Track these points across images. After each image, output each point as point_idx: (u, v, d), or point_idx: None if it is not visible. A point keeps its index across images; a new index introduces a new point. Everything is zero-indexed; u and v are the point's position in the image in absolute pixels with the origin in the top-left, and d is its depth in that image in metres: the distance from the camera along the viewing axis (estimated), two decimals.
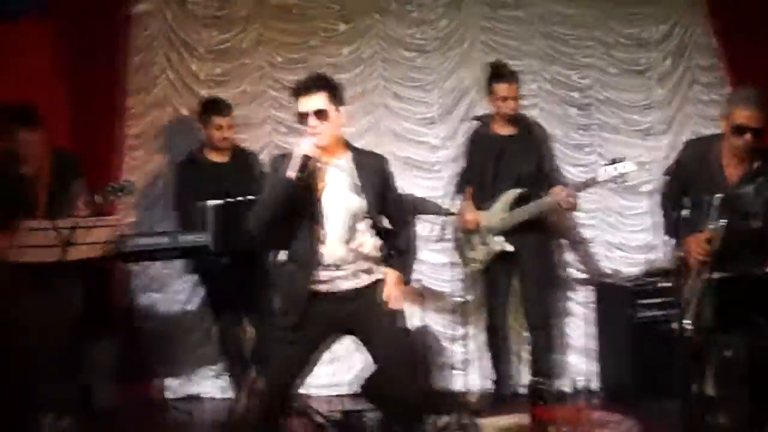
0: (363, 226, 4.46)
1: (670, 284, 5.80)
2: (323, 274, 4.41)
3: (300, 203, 4.36)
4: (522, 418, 5.57)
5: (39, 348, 5.63)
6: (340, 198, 4.42)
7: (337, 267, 4.41)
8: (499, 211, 6.09)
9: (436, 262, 6.78)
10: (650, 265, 6.59)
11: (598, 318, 6.57)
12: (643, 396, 5.89)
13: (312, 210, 4.38)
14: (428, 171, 6.91)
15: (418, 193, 6.46)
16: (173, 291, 6.90)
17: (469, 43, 6.92)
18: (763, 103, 4.63)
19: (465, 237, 6.20)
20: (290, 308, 4.45)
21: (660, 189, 5.37)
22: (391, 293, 4.49)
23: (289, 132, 6.70)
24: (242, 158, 6.35)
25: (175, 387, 6.84)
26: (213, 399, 6.75)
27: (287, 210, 4.35)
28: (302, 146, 4.29)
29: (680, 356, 4.66)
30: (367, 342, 4.54)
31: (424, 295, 6.27)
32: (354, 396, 6.14)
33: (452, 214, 6.08)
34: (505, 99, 6.07)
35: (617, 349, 6.30)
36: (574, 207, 6.01)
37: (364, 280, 4.48)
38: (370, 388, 4.87)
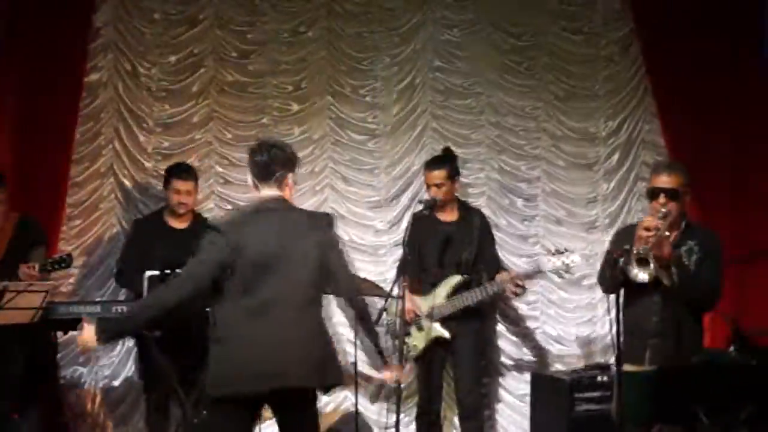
0: None
1: (607, 378, 5.76)
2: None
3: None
4: None
5: None
6: None
7: None
8: (439, 298, 6.01)
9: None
10: (589, 359, 6.51)
11: (533, 409, 6.44)
12: None
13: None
14: (372, 255, 6.83)
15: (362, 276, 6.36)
16: (99, 366, 6.68)
17: (420, 130, 6.93)
18: (679, 169, 4.74)
19: (403, 323, 6.10)
20: (221, 382, 4.19)
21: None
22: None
23: (234, 208, 6.63)
24: (202, 227, 6.10)
25: None
26: None
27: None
28: None
29: None
30: (283, 421, 4.33)
31: (357, 380, 6.10)
32: None
33: (395, 297, 5.95)
34: (432, 186, 6.00)
35: None
36: (520, 294, 5.91)
37: None
38: None
